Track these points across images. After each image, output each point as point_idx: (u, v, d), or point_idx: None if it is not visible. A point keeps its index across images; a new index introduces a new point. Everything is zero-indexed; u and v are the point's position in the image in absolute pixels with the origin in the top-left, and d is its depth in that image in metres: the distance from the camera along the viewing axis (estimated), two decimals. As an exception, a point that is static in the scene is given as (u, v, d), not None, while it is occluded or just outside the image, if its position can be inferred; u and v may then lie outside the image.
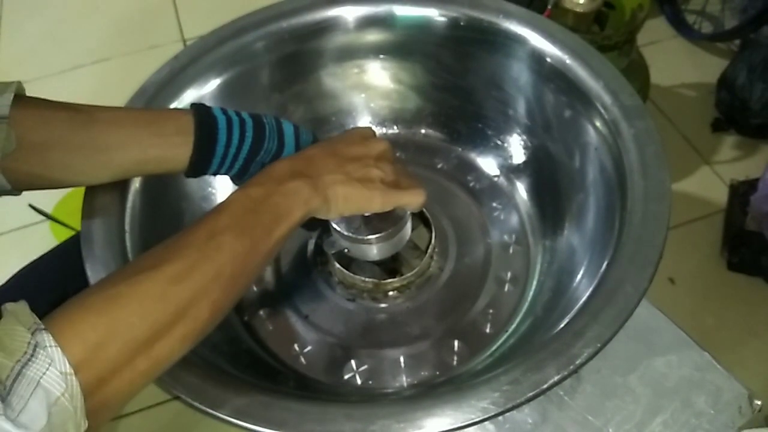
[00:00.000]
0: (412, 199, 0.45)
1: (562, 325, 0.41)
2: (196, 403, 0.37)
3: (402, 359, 0.54)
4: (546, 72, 0.57)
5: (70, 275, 0.45)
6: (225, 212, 0.38)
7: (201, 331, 0.35)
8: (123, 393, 0.32)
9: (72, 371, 0.28)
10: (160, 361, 0.33)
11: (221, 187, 0.61)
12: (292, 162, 0.42)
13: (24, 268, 0.59)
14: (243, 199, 0.39)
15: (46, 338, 0.28)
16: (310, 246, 0.60)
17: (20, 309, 0.30)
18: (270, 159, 0.46)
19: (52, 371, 0.28)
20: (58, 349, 0.28)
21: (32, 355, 0.28)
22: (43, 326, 0.29)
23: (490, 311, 0.56)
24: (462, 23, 0.60)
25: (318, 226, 0.54)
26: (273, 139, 0.46)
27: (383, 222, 0.49)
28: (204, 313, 0.34)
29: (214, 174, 0.46)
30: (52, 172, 0.41)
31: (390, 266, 0.57)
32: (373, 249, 0.50)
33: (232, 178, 0.48)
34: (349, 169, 0.43)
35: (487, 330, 0.55)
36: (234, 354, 0.52)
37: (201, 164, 0.44)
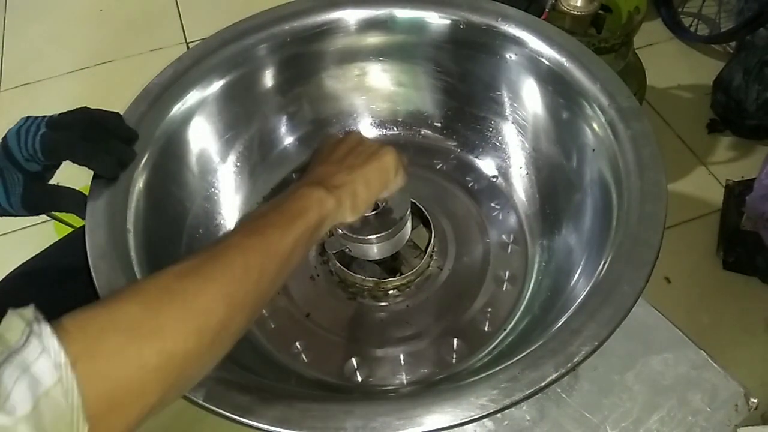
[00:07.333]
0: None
1: (559, 324, 0.42)
2: (198, 401, 0.38)
3: (402, 357, 0.54)
4: (544, 74, 0.58)
5: (70, 274, 0.44)
6: (240, 223, 0.38)
7: (223, 327, 0.32)
8: (134, 393, 0.28)
9: (67, 362, 0.25)
10: (174, 356, 0.29)
11: (224, 187, 0.61)
12: (305, 179, 0.43)
13: (22, 265, 0.59)
14: (255, 211, 0.39)
15: (43, 328, 0.26)
16: (311, 246, 0.61)
17: (25, 309, 0.27)
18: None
19: (44, 360, 0.25)
20: (54, 339, 0.26)
21: (24, 343, 0.25)
22: (42, 318, 0.27)
23: (489, 310, 0.56)
24: (461, 26, 0.60)
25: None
26: None
27: (383, 222, 0.49)
28: (218, 306, 0.32)
29: None
30: None
31: (390, 265, 0.58)
32: (374, 248, 0.51)
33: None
34: (350, 164, 0.44)
35: (486, 328, 0.55)
36: (235, 352, 0.52)
37: None
